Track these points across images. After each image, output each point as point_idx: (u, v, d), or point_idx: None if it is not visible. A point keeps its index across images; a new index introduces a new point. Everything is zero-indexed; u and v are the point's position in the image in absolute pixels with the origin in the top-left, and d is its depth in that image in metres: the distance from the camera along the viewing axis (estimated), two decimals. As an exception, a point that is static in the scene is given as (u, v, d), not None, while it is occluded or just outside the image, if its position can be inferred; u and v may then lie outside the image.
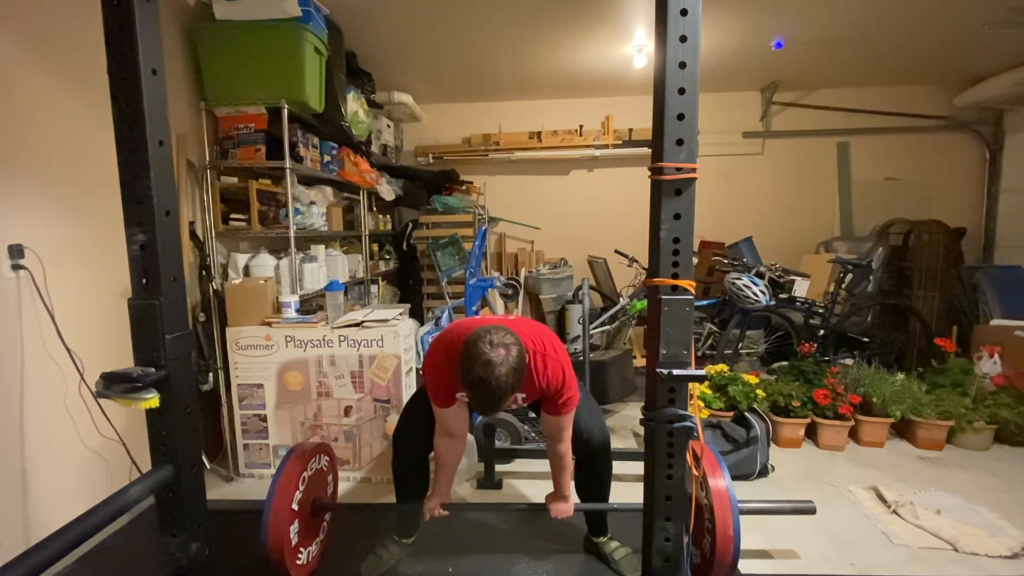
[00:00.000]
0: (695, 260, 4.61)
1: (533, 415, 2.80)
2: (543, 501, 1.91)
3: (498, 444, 2.62)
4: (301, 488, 1.79)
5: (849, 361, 3.50)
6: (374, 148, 4.19)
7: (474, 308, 3.31)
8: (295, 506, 1.75)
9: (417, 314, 4.55)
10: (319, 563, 1.94)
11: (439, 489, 1.85)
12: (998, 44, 3.68)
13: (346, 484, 2.62)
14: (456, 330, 1.68)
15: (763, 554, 2.03)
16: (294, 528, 1.74)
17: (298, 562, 1.78)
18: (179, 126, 2.60)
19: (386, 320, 2.55)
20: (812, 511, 1.95)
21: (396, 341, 2.53)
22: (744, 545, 2.07)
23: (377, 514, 2.32)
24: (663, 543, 1.39)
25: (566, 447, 1.78)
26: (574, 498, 1.93)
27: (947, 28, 3.45)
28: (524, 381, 1.59)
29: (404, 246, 4.77)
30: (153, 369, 1.33)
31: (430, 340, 3.05)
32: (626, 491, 2.49)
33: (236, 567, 1.97)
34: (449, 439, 1.80)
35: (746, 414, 2.72)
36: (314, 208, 3.17)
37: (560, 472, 1.83)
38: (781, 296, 3.86)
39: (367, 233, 4.11)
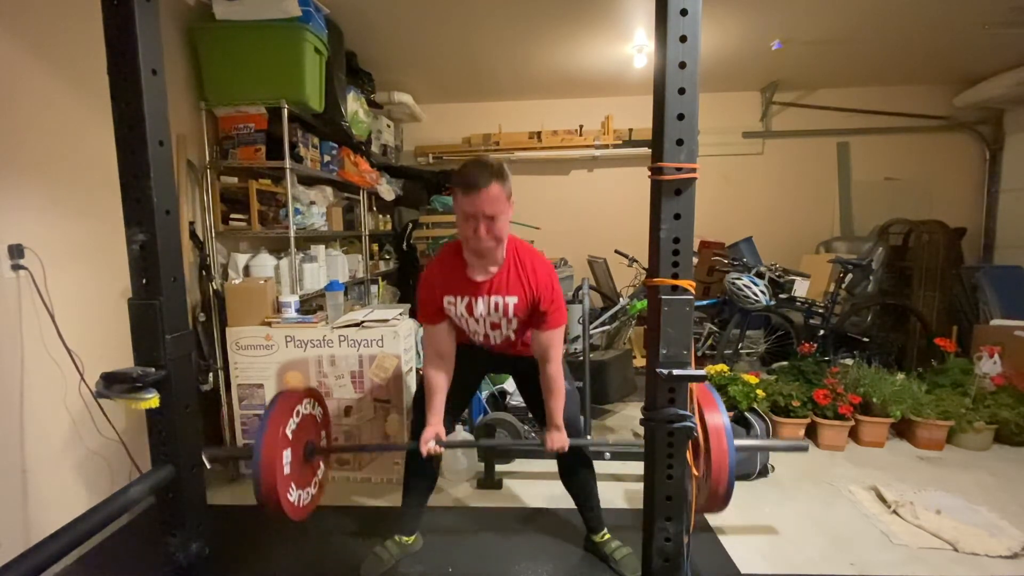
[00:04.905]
0: (695, 260, 4.60)
1: (532, 414, 2.80)
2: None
3: (498, 444, 2.61)
4: (295, 419, 1.74)
5: (849, 361, 3.49)
6: (374, 148, 4.18)
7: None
8: (289, 434, 1.69)
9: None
10: (313, 510, 1.87)
11: (432, 419, 1.82)
12: (998, 44, 3.68)
13: (346, 484, 2.61)
14: None
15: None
16: (287, 456, 1.68)
17: (290, 496, 1.70)
18: (179, 126, 2.60)
19: (386, 320, 2.55)
20: (804, 448, 1.92)
21: (396, 341, 2.53)
22: (743, 547, 2.08)
23: (377, 514, 2.32)
24: (663, 543, 1.39)
25: (556, 368, 1.78)
26: (572, 499, 1.94)
27: (947, 28, 3.45)
28: (513, 274, 1.70)
29: (404, 246, 4.77)
30: (153, 369, 1.33)
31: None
32: (626, 491, 2.49)
33: (236, 567, 1.98)
34: (439, 361, 1.82)
35: (746, 414, 2.71)
36: (314, 208, 3.17)
37: (551, 397, 1.81)
38: (781, 296, 3.86)
39: (367, 233, 4.11)
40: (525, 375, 1.93)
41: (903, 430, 3.03)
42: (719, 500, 1.59)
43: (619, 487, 2.53)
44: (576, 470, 1.97)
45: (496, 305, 1.72)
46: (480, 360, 1.96)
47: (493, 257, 1.69)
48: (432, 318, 1.78)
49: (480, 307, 1.73)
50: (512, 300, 1.71)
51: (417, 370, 2.81)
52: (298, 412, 1.77)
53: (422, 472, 1.97)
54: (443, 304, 1.75)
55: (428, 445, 1.76)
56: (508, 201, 1.61)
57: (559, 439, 1.81)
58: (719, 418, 1.57)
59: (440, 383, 1.82)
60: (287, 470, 1.69)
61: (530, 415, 2.82)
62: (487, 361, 1.98)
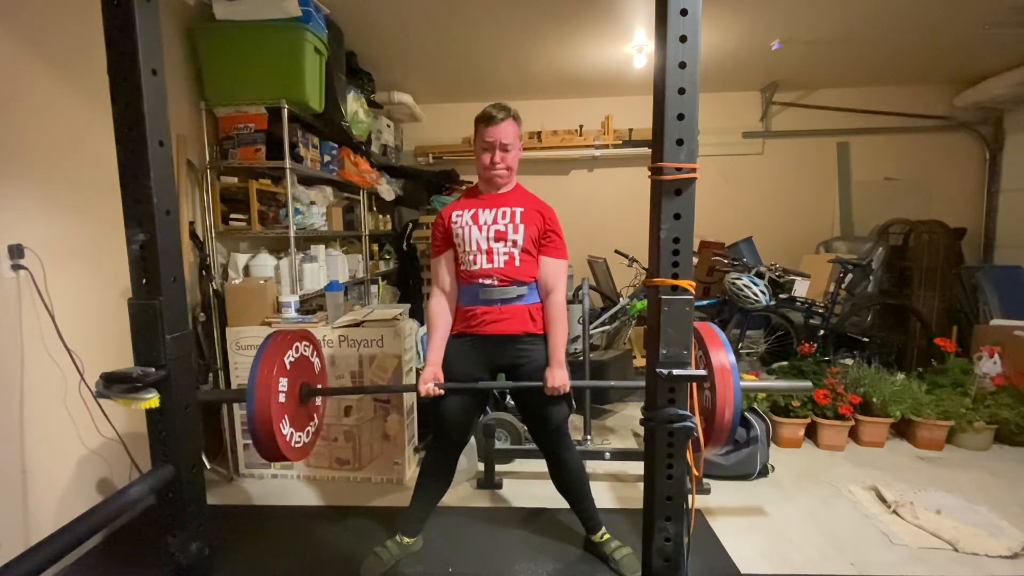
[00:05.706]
0: (695, 260, 4.60)
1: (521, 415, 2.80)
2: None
3: (498, 445, 2.62)
4: (293, 353, 1.73)
5: (849, 361, 3.49)
6: (374, 148, 4.18)
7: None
8: (286, 363, 1.69)
9: (417, 314, 4.53)
10: (306, 455, 1.85)
11: (432, 358, 1.86)
12: (998, 44, 3.68)
13: (346, 484, 2.62)
14: None
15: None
16: (283, 385, 1.66)
17: (283, 429, 1.67)
18: (179, 126, 2.60)
19: (386, 320, 2.55)
20: (809, 389, 1.93)
21: (396, 341, 2.53)
22: (743, 547, 2.08)
23: (377, 514, 2.32)
24: (663, 543, 1.39)
25: (560, 299, 1.88)
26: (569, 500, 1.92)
27: (947, 28, 3.45)
28: (522, 196, 1.89)
29: (404, 246, 4.76)
30: (153, 369, 1.33)
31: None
32: (626, 491, 2.49)
33: (236, 567, 1.98)
34: (442, 296, 1.93)
35: (746, 414, 2.71)
36: (314, 208, 3.17)
37: (554, 328, 1.86)
38: (781, 296, 3.86)
39: (367, 233, 4.11)
40: (518, 369, 1.89)
41: (903, 430, 3.03)
42: (722, 432, 1.58)
43: (619, 487, 2.53)
44: (566, 469, 1.96)
45: (504, 213, 1.86)
46: (480, 352, 1.89)
47: (505, 186, 1.91)
48: (439, 246, 1.94)
49: (486, 214, 1.87)
50: (519, 209, 1.86)
51: (417, 370, 2.81)
52: (296, 348, 1.78)
53: (439, 473, 1.97)
54: (450, 223, 1.89)
55: (427, 386, 1.79)
56: (519, 141, 1.88)
57: (560, 376, 1.81)
58: (724, 356, 1.59)
59: (445, 319, 1.91)
60: (282, 399, 1.67)
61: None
62: (486, 349, 1.89)
